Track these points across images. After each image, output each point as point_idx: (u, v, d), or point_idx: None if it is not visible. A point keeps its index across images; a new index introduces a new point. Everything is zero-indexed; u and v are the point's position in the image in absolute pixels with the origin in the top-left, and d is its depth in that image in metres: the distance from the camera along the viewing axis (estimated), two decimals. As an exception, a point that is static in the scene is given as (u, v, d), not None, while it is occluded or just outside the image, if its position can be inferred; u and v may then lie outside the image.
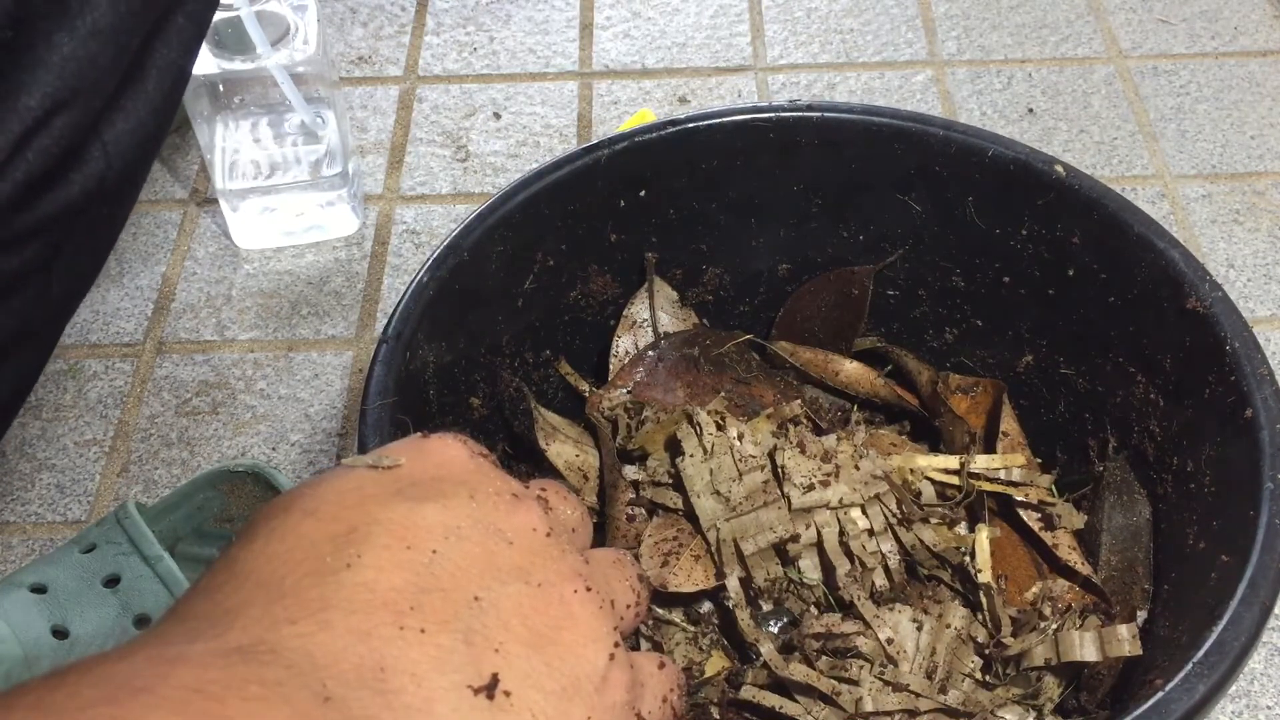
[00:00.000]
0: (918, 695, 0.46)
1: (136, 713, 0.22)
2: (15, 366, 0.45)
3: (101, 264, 0.47)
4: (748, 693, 0.47)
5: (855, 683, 0.47)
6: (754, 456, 0.51)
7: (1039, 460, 0.57)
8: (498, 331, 0.56)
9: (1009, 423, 0.57)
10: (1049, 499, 0.54)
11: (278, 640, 0.25)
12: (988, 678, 0.50)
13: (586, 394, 0.59)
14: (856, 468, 0.52)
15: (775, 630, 0.51)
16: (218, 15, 0.70)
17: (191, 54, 0.45)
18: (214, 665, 0.24)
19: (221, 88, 0.75)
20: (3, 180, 0.39)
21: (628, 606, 0.34)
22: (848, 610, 0.50)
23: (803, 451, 0.52)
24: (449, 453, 0.32)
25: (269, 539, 0.28)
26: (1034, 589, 0.53)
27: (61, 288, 0.45)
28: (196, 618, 0.26)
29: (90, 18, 0.39)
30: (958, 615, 0.49)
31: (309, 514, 0.29)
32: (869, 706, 0.46)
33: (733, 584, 0.50)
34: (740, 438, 0.52)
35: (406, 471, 0.31)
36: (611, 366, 0.60)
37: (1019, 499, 0.54)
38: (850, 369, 0.61)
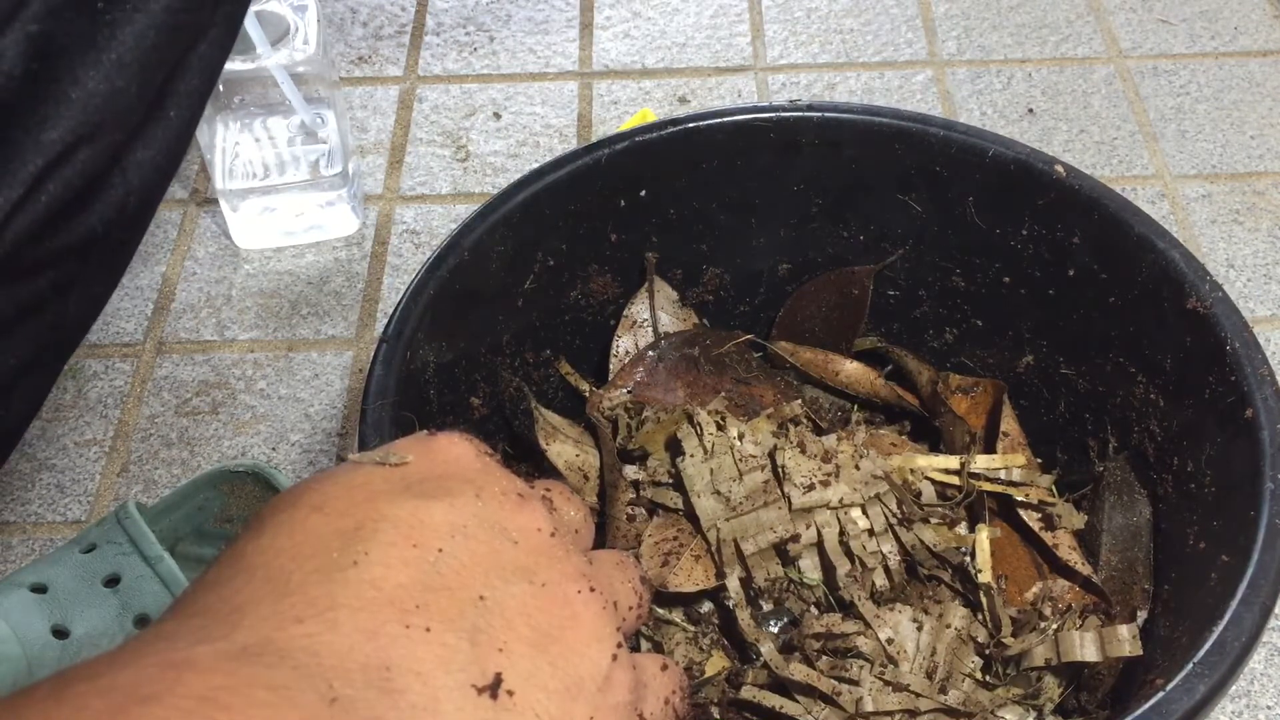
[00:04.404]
0: (918, 695, 0.46)
1: None
2: (25, 391, 0.45)
3: (115, 286, 0.46)
4: (748, 693, 0.47)
5: (855, 683, 0.47)
6: (754, 456, 0.52)
7: (1039, 460, 0.57)
8: (498, 331, 0.56)
9: (1009, 423, 0.57)
10: (1049, 499, 0.54)
11: (285, 640, 0.25)
12: (988, 678, 0.50)
13: (587, 394, 0.59)
14: (857, 468, 0.52)
15: (775, 630, 0.51)
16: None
17: (214, 79, 0.44)
18: (221, 670, 0.24)
19: (221, 88, 0.75)
20: (23, 213, 0.38)
21: (630, 608, 0.34)
22: (848, 610, 0.50)
23: (803, 451, 0.52)
24: (456, 451, 0.32)
25: (276, 533, 0.28)
26: (1034, 589, 0.53)
27: (76, 312, 0.44)
28: (203, 614, 0.26)
29: (116, 52, 0.39)
30: (958, 615, 0.49)
31: (316, 509, 0.29)
32: (869, 706, 0.46)
33: (733, 584, 0.50)
34: (740, 438, 0.52)
35: (414, 469, 0.31)
36: (612, 366, 0.60)
37: (1019, 499, 0.54)
38: (850, 369, 0.61)
